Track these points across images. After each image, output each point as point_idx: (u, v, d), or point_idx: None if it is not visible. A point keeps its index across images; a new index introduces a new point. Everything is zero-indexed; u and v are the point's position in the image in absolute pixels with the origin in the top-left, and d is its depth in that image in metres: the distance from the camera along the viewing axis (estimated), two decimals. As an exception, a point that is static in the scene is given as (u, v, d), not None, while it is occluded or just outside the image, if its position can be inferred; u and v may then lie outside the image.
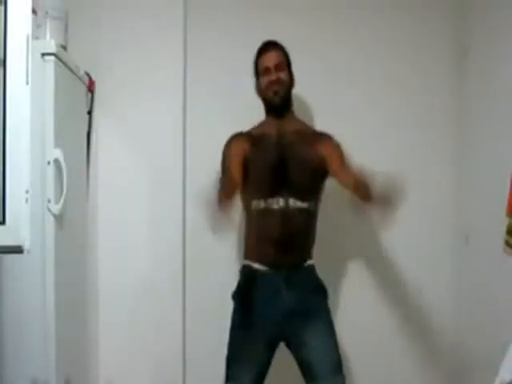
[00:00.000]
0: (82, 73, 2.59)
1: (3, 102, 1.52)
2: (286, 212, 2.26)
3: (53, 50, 2.17)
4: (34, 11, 2.08)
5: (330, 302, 2.37)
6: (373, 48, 2.87)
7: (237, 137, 2.40)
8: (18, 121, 1.55)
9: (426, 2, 2.88)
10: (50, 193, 2.15)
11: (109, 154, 2.77)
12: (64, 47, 2.50)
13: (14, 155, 1.53)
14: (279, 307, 2.24)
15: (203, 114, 2.83)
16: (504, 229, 2.26)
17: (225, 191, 2.14)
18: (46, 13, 2.48)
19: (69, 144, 2.37)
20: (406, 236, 2.81)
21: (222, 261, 2.78)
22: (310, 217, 2.32)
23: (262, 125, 2.42)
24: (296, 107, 2.47)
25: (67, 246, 2.34)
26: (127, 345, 2.73)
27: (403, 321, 2.83)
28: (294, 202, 2.26)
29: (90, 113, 2.75)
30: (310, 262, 2.34)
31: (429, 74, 2.88)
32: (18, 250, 1.57)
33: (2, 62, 1.52)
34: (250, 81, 2.79)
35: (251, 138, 2.37)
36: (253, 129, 2.42)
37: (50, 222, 2.16)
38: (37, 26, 2.41)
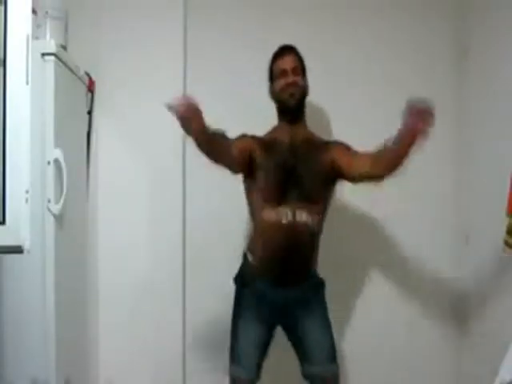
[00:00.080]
0: (82, 73, 2.59)
1: (3, 101, 1.52)
2: (292, 227, 2.23)
3: (53, 50, 2.17)
4: (34, 11, 2.08)
5: (337, 305, 2.39)
6: (373, 48, 2.86)
7: (249, 137, 2.35)
8: (18, 121, 1.55)
9: (426, 2, 2.88)
10: (50, 193, 2.16)
11: (109, 154, 2.77)
12: (64, 47, 2.50)
13: (14, 155, 1.54)
14: (277, 302, 2.27)
15: (203, 114, 2.82)
16: (504, 229, 2.26)
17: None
18: (46, 13, 2.48)
19: (69, 144, 2.37)
20: (406, 236, 2.81)
21: (222, 261, 2.77)
22: (315, 231, 2.30)
23: (274, 130, 2.40)
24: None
25: (67, 246, 2.34)
26: (127, 345, 2.73)
27: (403, 321, 2.83)
28: (300, 215, 2.23)
29: (90, 113, 2.76)
30: (311, 271, 2.35)
31: (429, 74, 2.87)
32: (17, 250, 1.57)
33: (1, 62, 1.52)
34: (249, 81, 2.80)
35: (263, 142, 2.34)
36: (265, 134, 2.40)
37: (50, 222, 2.16)
38: (37, 26, 2.42)
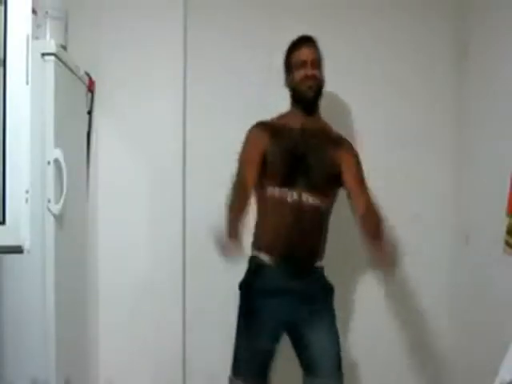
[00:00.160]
0: (82, 73, 2.59)
1: (3, 101, 1.52)
2: (298, 206, 2.25)
3: (53, 50, 2.17)
4: (34, 11, 2.08)
5: (337, 305, 2.37)
6: (373, 48, 2.86)
7: (258, 128, 2.37)
8: (18, 121, 1.55)
9: (426, 2, 2.88)
10: (50, 193, 2.15)
11: (109, 154, 2.77)
12: (64, 47, 2.50)
13: (14, 155, 1.53)
14: (285, 301, 2.24)
15: (203, 114, 2.83)
16: (504, 229, 2.26)
17: (238, 203, 2.24)
18: (46, 13, 2.48)
19: (69, 144, 2.37)
20: (406, 236, 2.80)
21: (221, 261, 2.77)
22: (321, 216, 2.32)
23: (286, 115, 2.40)
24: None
25: (67, 246, 2.34)
26: (127, 345, 2.73)
27: (402, 321, 2.83)
28: (306, 198, 2.26)
29: (90, 113, 2.75)
30: (319, 264, 2.34)
31: (429, 74, 2.87)
32: (17, 250, 1.57)
33: (1, 62, 1.52)
34: (249, 81, 2.81)
35: (273, 128, 2.35)
36: (276, 117, 2.40)
37: (50, 222, 2.16)
38: (37, 26, 2.41)
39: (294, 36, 2.77)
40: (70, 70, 2.40)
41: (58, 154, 2.18)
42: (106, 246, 2.76)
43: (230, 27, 2.84)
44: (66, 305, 2.29)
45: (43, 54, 2.13)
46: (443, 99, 2.89)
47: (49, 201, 2.15)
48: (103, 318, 2.74)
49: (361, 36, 2.86)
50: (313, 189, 2.27)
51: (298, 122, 2.35)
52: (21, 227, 1.56)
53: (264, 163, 2.31)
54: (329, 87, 2.78)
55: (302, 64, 2.32)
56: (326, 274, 2.38)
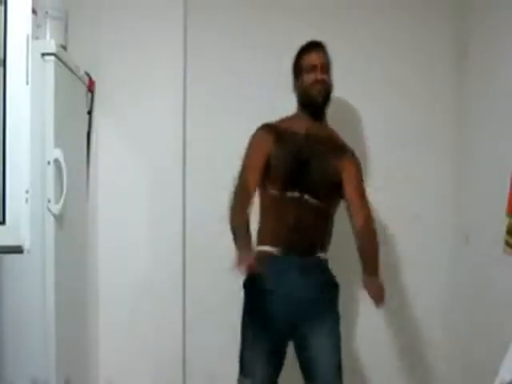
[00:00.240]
0: (82, 73, 2.59)
1: (3, 101, 1.52)
2: (300, 202, 2.27)
3: (53, 50, 2.16)
4: (34, 11, 2.08)
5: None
6: (373, 48, 2.86)
7: (263, 131, 2.37)
8: (18, 121, 1.55)
9: (426, 2, 2.88)
10: (50, 193, 2.15)
11: (109, 154, 2.77)
12: (64, 47, 2.50)
13: (14, 155, 1.53)
14: (289, 294, 2.23)
15: (203, 114, 2.83)
16: (504, 229, 2.26)
17: (240, 206, 2.26)
18: (46, 13, 2.48)
19: (69, 144, 2.37)
20: (406, 236, 2.81)
21: (221, 261, 2.77)
22: (323, 213, 2.32)
23: (292, 119, 2.40)
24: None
25: (67, 246, 2.34)
26: (127, 345, 2.73)
27: (403, 320, 2.83)
28: (308, 198, 2.28)
29: (90, 113, 2.75)
30: (323, 256, 2.34)
31: (429, 74, 2.87)
32: (17, 250, 1.57)
33: (1, 62, 1.52)
34: (249, 81, 2.81)
35: (278, 131, 2.35)
36: (282, 121, 2.40)
37: (50, 222, 2.16)
38: (37, 26, 2.41)
39: (294, 36, 2.77)
40: (70, 70, 2.40)
41: (58, 154, 2.18)
42: (106, 246, 2.76)
43: (230, 27, 2.84)
44: (66, 305, 2.29)
45: (43, 54, 2.13)
46: (443, 99, 2.89)
47: (49, 201, 2.15)
48: (103, 318, 2.74)
49: (361, 36, 2.86)
50: (314, 194, 2.28)
51: (303, 126, 2.35)
52: (21, 227, 1.56)
53: (267, 166, 2.32)
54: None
55: (312, 68, 2.33)
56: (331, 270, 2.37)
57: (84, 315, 2.67)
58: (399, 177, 2.81)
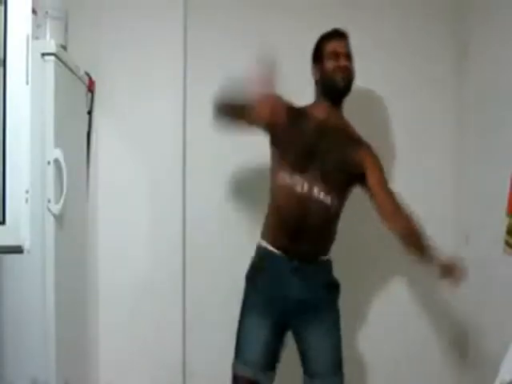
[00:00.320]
0: (82, 73, 2.59)
1: (3, 101, 1.52)
2: (307, 200, 2.21)
3: (53, 50, 2.16)
4: (34, 11, 2.08)
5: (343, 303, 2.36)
6: (373, 48, 2.86)
7: (283, 101, 2.31)
8: (18, 121, 1.55)
9: (426, 3, 2.88)
10: (50, 193, 2.15)
11: (109, 154, 2.77)
12: (64, 47, 2.50)
13: (14, 155, 1.53)
14: (287, 295, 2.23)
15: (203, 114, 2.82)
16: (504, 229, 2.26)
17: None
18: (46, 13, 2.48)
19: (69, 144, 2.37)
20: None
21: (222, 261, 2.78)
22: (330, 214, 2.27)
23: (311, 105, 2.37)
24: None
25: (67, 246, 2.34)
26: (127, 345, 2.73)
27: (403, 320, 2.83)
28: (318, 192, 2.21)
29: (90, 113, 2.75)
30: (325, 258, 2.32)
31: (429, 74, 2.87)
32: (17, 250, 1.57)
33: (1, 62, 1.52)
34: (249, 81, 2.80)
35: (295, 111, 2.32)
36: (301, 107, 2.36)
37: (50, 222, 2.16)
38: (37, 26, 2.42)
39: (294, 36, 2.79)
40: (70, 70, 2.40)
41: (58, 154, 2.18)
42: (106, 246, 2.76)
43: (229, 27, 2.84)
44: (66, 305, 2.29)
45: (43, 54, 2.13)
46: (443, 99, 2.89)
47: (49, 201, 2.15)
48: (103, 318, 2.74)
49: (361, 36, 2.84)
50: (325, 181, 2.22)
51: (322, 112, 2.32)
52: (21, 227, 1.56)
53: (276, 136, 2.29)
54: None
55: (336, 55, 2.30)
56: (333, 269, 2.36)
57: (84, 315, 2.67)
58: (399, 177, 2.80)
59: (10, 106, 1.52)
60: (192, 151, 2.83)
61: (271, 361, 2.27)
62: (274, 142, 2.32)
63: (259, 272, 2.30)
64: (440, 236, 2.84)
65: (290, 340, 2.33)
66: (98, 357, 2.74)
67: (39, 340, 2.13)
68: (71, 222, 2.38)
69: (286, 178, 2.23)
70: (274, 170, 2.32)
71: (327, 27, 2.81)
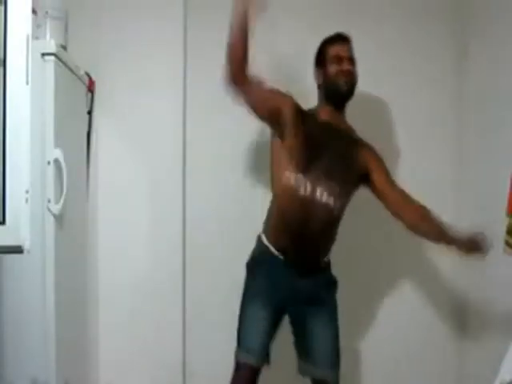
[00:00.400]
0: (82, 73, 2.59)
1: (3, 101, 1.52)
2: (310, 203, 2.21)
3: (53, 50, 2.17)
4: (34, 11, 2.08)
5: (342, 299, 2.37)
6: (373, 49, 2.86)
7: (292, 99, 2.30)
8: (18, 121, 1.55)
9: (426, 3, 2.88)
10: (50, 193, 2.15)
11: (109, 154, 2.77)
12: (64, 47, 2.50)
13: (14, 155, 1.54)
14: (286, 289, 2.24)
15: (203, 114, 2.83)
16: (504, 229, 2.26)
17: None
18: (46, 13, 2.48)
19: (69, 144, 2.37)
20: (406, 236, 2.80)
21: (222, 261, 2.78)
22: (333, 217, 2.27)
23: (314, 108, 2.37)
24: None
25: (67, 246, 2.34)
26: (127, 345, 2.73)
27: (403, 320, 2.83)
28: (321, 193, 2.21)
29: (90, 113, 2.75)
30: (325, 259, 2.32)
31: (429, 75, 2.87)
32: (17, 250, 1.57)
33: (1, 62, 1.52)
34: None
35: (301, 110, 2.31)
36: (306, 109, 2.36)
37: (50, 222, 2.16)
38: (37, 26, 2.42)
39: (294, 36, 2.78)
40: (70, 70, 2.40)
41: (58, 154, 2.18)
42: (106, 246, 2.76)
43: (229, 27, 2.84)
44: (66, 305, 2.29)
45: (43, 54, 2.13)
46: (443, 99, 2.89)
47: (49, 201, 2.15)
48: (103, 318, 2.74)
49: (360, 37, 2.84)
50: (329, 181, 2.22)
51: (326, 114, 2.32)
52: (21, 227, 1.56)
53: (283, 134, 2.27)
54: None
55: (339, 59, 2.30)
56: (331, 267, 2.36)
57: (84, 315, 2.67)
58: (399, 177, 2.80)
59: (9, 106, 1.52)
60: (192, 151, 2.82)
61: (268, 346, 2.28)
62: (278, 135, 2.29)
63: (258, 266, 2.30)
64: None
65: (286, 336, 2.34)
66: (98, 357, 2.74)
67: (39, 340, 2.13)
68: (71, 222, 2.38)
69: (291, 178, 2.23)
70: (278, 169, 2.30)
71: (327, 27, 2.80)
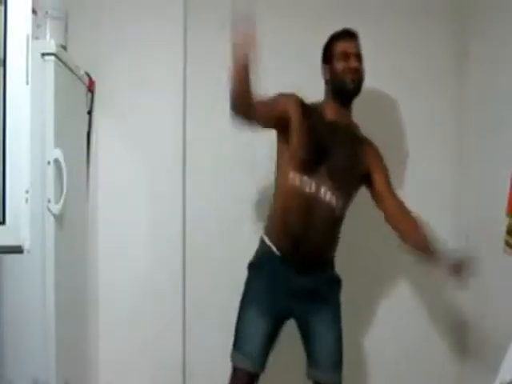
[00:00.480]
0: (82, 73, 2.59)
1: (3, 101, 1.52)
2: (314, 201, 2.21)
3: (53, 50, 2.17)
4: (34, 11, 2.08)
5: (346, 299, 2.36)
6: (373, 49, 2.85)
7: (296, 98, 2.29)
8: (18, 121, 1.55)
9: (426, 4, 2.88)
10: (50, 193, 2.15)
11: (109, 154, 2.77)
12: (64, 47, 2.50)
13: (14, 155, 1.54)
14: (288, 290, 2.22)
15: (203, 114, 2.83)
16: (504, 229, 2.26)
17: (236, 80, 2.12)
18: (46, 13, 2.49)
19: (69, 144, 2.37)
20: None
21: (222, 261, 2.78)
22: (335, 217, 2.27)
23: (321, 104, 2.35)
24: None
25: (67, 246, 2.34)
26: (127, 345, 2.73)
27: (403, 320, 2.83)
28: (324, 192, 2.21)
29: (90, 113, 2.76)
30: (327, 259, 2.32)
31: (429, 75, 2.87)
32: (17, 250, 1.57)
33: (1, 62, 1.52)
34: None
35: (307, 109, 2.30)
36: (312, 103, 2.34)
37: (50, 222, 2.16)
38: (37, 26, 2.42)
39: (294, 36, 2.78)
40: (70, 70, 2.40)
41: (58, 153, 2.18)
42: (106, 246, 2.76)
43: (229, 27, 2.83)
44: (66, 305, 2.29)
45: (43, 54, 2.13)
46: (443, 100, 2.89)
47: (49, 201, 2.15)
48: (103, 318, 2.74)
49: (361, 36, 2.85)
50: (333, 179, 2.22)
51: (332, 112, 2.31)
52: (21, 227, 1.56)
53: (286, 132, 2.26)
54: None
55: (346, 56, 2.28)
56: (335, 265, 2.35)
57: (84, 315, 2.67)
58: (399, 177, 2.80)
59: (10, 106, 1.52)
60: (192, 151, 2.83)
61: (268, 351, 2.27)
62: (286, 139, 2.29)
63: (260, 267, 2.30)
64: (440, 236, 2.87)
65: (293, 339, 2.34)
66: (98, 357, 2.74)
67: (39, 340, 2.13)
68: (71, 222, 2.38)
69: (296, 179, 2.23)
70: (282, 169, 2.30)
71: (326, 29, 2.81)
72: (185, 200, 2.80)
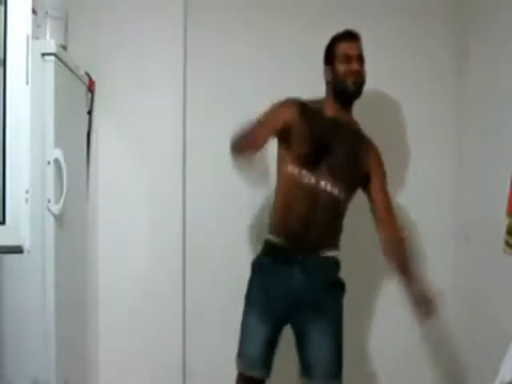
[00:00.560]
0: (82, 73, 2.59)
1: (3, 101, 1.52)
2: (314, 190, 2.22)
3: (53, 50, 2.17)
4: (34, 11, 2.08)
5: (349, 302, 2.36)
6: (373, 49, 2.85)
7: (287, 102, 2.31)
8: (18, 121, 1.55)
9: (426, 4, 2.88)
10: (50, 193, 2.15)
11: (109, 154, 2.77)
12: (64, 47, 2.50)
13: (14, 155, 1.54)
14: (289, 292, 2.22)
15: (203, 114, 2.83)
16: (504, 229, 2.26)
17: (241, 143, 2.24)
18: (46, 13, 2.49)
19: (69, 144, 2.37)
20: (406, 236, 2.81)
21: (222, 261, 2.78)
22: (336, 205, 2.28)
23: (322, 101, 2.35)
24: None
25: (67, 246, 2.34)
26: (127, 345, 2.73)
27: (403, 320, 2.83)
28: (325, 184, 2.22)
29: (90, 113, 2.76)
30: (331, 254, 2.29)
31: (429, 75, 2.87)
32: (17, 250, 1.57)
33: (1, 62, 1.52)
34: (249, 81, 2.80)
35: (303, 107, 2.30)
36: (311, 101, 2.34)
37: (50, 222, 2.16)
38: (37, 26, 2.42)
39: (294, 36, 2.78)
40: (70, 70, 2.40)
41: (58, 153, 2.18)
42: (106, 246, 2.76)
43: (229, 27, 2.84)
44: (66, 305, 2.29)
45: (43, 54, 2.13)
46: (443, 100, 2.89)
47: (49, 201, 2.15)
48: (103, 318, 2.74)
49: (361, 36, 2.86)
50: (332, 176, 2.23)
51: (332, 110, 2.32)
52: (21, 227, 1.56)
53: (288, 137, 2.27)
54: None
55: (348, 58, 2.28)
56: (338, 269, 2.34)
57: (84, 315, 2.67)
58: (399, 177, 2.81)
59: (10, 106, 1.52)
60: (192, 151, 2.83)
61: (271, 357, 2.27)
62: (287, 143, 2.30)
63: (263, 269, 2.29)
64: (440, 236, 2.87)
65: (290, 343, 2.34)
66: (98, 357, 2.74)
67: (39, 340, 2.13)
68: (71, 222, 2.38)
69: (295, 170, 2.24)
70: (282, 164, 2.31)
71: (326, 29, 2.81)
72: (185, 200, 2.80)
